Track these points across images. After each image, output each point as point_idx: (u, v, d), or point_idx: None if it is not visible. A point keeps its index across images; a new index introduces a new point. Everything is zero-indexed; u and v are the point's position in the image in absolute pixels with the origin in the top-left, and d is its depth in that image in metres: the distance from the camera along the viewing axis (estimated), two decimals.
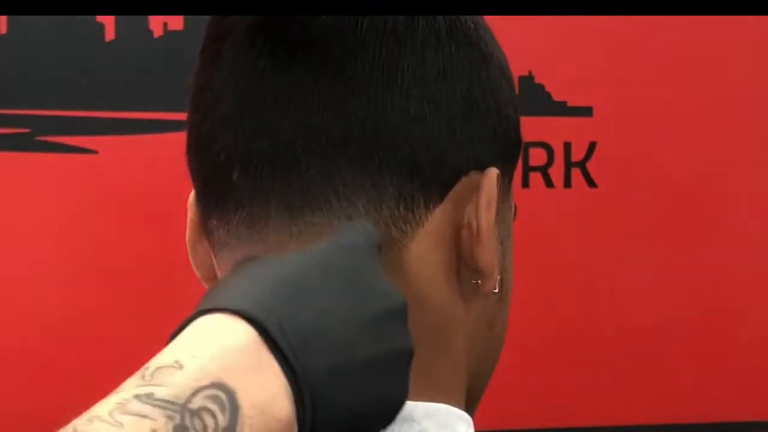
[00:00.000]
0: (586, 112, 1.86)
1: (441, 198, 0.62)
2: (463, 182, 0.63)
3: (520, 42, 1.81)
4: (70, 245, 1.73)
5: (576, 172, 1.87)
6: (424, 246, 0.61)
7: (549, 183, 1.86)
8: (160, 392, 0.47)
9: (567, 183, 1.87)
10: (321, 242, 0.56)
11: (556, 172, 1.86)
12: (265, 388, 0.49)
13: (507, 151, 0.66)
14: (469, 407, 0.67)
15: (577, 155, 1.87)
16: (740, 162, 1.90)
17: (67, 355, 1.73)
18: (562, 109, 1.85)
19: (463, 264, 0.63)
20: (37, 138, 1.73)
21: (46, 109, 1.73)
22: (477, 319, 0.65)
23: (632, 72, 1.87)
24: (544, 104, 1.84)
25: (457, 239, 0.63)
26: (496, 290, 0.64)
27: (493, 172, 0.63)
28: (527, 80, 1.82)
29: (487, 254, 0.62)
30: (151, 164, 1.73)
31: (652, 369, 1.88)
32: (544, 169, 1.86)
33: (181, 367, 0.48)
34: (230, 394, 0.48)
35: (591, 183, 1.87)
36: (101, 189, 1.74)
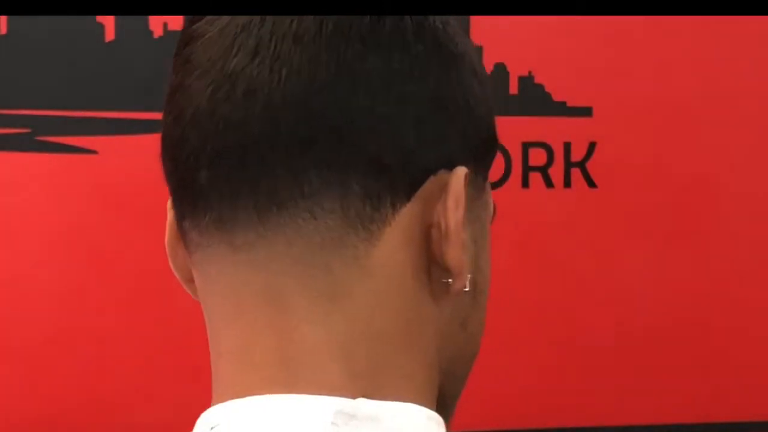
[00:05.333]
0: (585, 112, 1.86)
1: (408, 197, 0.62)
2: (432, 182, 0.63)
3: (520, 42, 1.81)
4: (69, 245, 1.74)
5: (576, 172, 1.87)
6: (391, 245, 0.61)
7: (549, 183, 1.86)
8: None
9: (567, 183, 1.87)
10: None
11: (556, 172, 1.86)
12: None
13: (479, 151, 0.66)
14: (443, 407, 0.67)
15: (577, 155, 1.87)
16: (740, 162, 1.89)
17: (67, 355, 1.74)
18: (561, 109, 1.85)
19: (433, 263, 0.63)
20: (37, 138, 1.74)
21: (46, 109, 1.74)
22: (449, 319, 0.65)
23: (632, 72, 1.87)
24: (544, 104, 1.84)
25: (427, 238, 0.63)
26: (467, 289, 0.64)
27: (460, 172, 0.63)
28: (527, 80, 1.82)
29: (456, 253, 0.62)
30: (151, 164, 1.72)
31: (651, 369, 1.87)
32: (544, 169, 1.86)
33: None
34: None
35: (591, 183, 1.87)
36: (101, 189, 1.74)
